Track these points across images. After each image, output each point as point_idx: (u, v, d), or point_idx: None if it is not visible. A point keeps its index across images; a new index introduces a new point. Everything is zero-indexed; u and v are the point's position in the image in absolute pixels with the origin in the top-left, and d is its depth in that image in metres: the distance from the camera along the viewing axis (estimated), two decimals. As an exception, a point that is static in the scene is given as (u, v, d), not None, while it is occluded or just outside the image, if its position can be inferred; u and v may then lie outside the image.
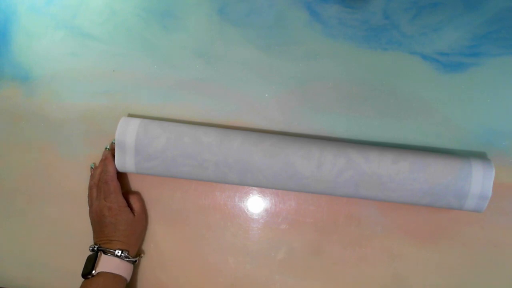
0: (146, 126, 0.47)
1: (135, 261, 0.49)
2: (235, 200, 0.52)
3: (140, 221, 0.50)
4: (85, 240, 0.49)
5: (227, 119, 0.52)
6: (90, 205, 0.50)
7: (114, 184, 0.48)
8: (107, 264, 0.45)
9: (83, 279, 0.45)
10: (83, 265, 0.46)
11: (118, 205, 0.48)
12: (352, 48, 0.50)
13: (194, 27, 0.52)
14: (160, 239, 0.52)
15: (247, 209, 0.52)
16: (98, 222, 0.48)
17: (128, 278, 0.47)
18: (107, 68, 0.53)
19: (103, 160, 0.50)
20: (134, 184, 0.53)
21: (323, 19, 0.50)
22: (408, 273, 0.49)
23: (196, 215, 0.51)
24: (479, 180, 0.43)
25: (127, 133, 0.47)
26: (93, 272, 0.44)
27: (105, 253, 0.46)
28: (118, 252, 0.46)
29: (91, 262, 0.45)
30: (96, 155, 0.53)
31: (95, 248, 0.46)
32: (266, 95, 0.51)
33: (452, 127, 0.49)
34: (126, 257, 0.47)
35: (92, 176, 0.51)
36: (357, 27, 0.50)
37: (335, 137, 0.50)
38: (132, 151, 0.47)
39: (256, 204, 0.51)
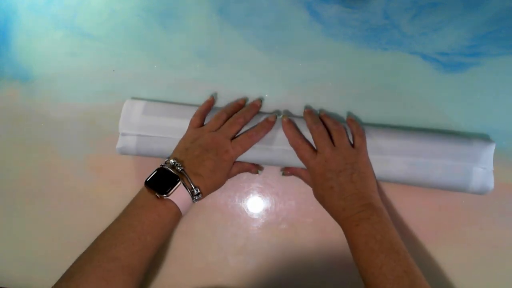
0: (150, 107, 0.48)
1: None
2: (235, 200, 0.52)
3: (225, 180, 0.46)
4: (85, 240, 0.49)
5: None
6: (208, 128, 0.45)
7: (250, 144, 0.45)
8: (180, 196, 0.41)
9: (145, 189, 0.41)
10: (153, 173, 0.42)
11: (235, 154, 0.44)
12: (352, 48, 0.50)
13: (194, 27, 0.52)
14: (160, 239, 0.52)
15: (247, 209, 0.52)
16: (205, 148, 0.43)
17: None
18: (107, 68, 0.53)
19: (265, 124, 0.46)
20: (135, 183, 0.53)
21: (323, 19, 0.50)
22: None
23: (196, 215, 0.51)
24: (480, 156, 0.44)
25: (132, 114, 0.47)
26: (164, 195, 0.40)
27: (184, 185, 0.41)
28: (196, 190, 0.42)
29: (171, 183, 0.41)
30: (96, 155, 0.53)
31: (181, 170, 0.42)
32: (266, 95, 0.51)
33: (452, 126, 0.49)
34: (196, 199, 0.43)
35: (240, 113, 0.46)
36: (357, 27, 0.50)
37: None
38: (135, 132, 0.47)
39: (256, 204, 0.51)
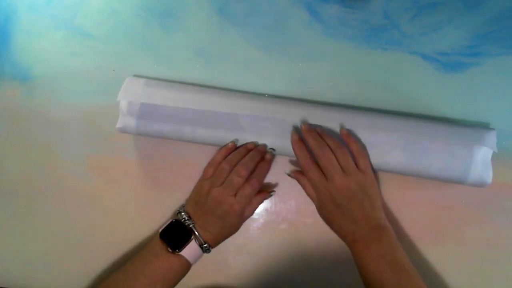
0: (152, 81, 0.49)
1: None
2: (235, 200, 0.52)
3: (237, 229, 0.48)
4: (86, 240, 0.49)
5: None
6: (213, 182, 0.46)
7: (254, 193, 0.46)
8: (191, 250, 0.44)
9: (159, 239, 0.44)
10: (167, 224, 0.45)
11: (241, 208, 0.45)
12: (352, 48, 0.50)
13: (194, 27, 0.52)
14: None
15: (247, 209, 0.51)
16: (212, 208, 0.45)
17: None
18: (107, 68, 0.53)
19: (264, 167, 0.47)
20: (135, 183, 0.52)
21: (323, 19, 0.50)
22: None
23: (196, 215, 0.51)
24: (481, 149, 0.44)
25: (133, 85, 0.48)
26: (176, 250, 0.44)
27: (196, 239, 0.44)
28: (206, 246, 0.45)
29: (184, 239, 0.44)
30: (96, 155, 0.52)
31: (191, 226, 0.45)
32: (266, 95, 0.51)
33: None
34: (207, 252, 0.46)
35: (242, 165, 0.46)
36: (357, 27, 0.50)
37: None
38: (135, 111, 0.47)
39: (256, 204, 0.51)
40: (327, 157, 0.44)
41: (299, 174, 0.48)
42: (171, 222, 0.45)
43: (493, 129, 0.45)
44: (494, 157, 0.44)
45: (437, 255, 0.49)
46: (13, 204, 0.54)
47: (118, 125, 0.48)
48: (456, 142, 0.44)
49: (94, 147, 0.53)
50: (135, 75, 0.52)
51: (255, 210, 0.48)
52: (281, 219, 0.51)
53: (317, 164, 0.45)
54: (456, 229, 0.49)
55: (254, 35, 0.52)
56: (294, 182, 0.50)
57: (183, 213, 0.46)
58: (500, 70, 0.48)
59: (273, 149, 0.48)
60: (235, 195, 0.45)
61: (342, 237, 0.45)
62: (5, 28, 0.54)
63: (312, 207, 0.50)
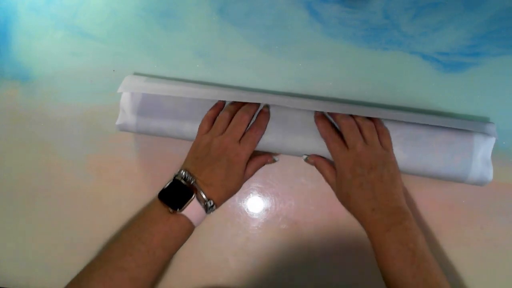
0: (151, 81, 0.48)
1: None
2: (235, 200, 0.52)
3: (240, 184, 0.44)
4: (86, 239, 0.49)
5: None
6: (213, 133, 0.44)
7: (258, 139, 0.44)
8: (193, 209, 0.40)
9: (158, 201, 0.40)
10: (167, 185, 0.41)
11: (246, 154, 0.43)
12: (352, 48, 0.50)
13: (194, 27, 0.52)
14: (160, 239, 0.52)
15: (247, 209, 0.52)
16: (214, 156, 0.42)
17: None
18: (107, 68, 0.53)
19: (264, 116, 0.45)
20: (135, 183, 0.53)
21: (323, 18, 0.50)
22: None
23: (196, 215, 0.51)
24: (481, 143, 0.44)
25: (131, 86, 0.48)
26: (177, 210, 0.39)
27: (198, 198, 0.40)
28: (210, 203, 0.41)
29: (184, 197, 0.40)
30: (96, 155, 0.52)
31: (193, 182, 0.41)
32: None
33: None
34: (211, 211, 0.42)
35: (243, 110, 0.45)
36: (357, 27, 0.50)
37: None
38: (135, 109, 0.47)
39: (256, 204, 0.51)
40: (351, 126, 0.43)
41: (317, 157, 0.45)
42: (170, 183, 0.41)
43: (491, 122, 0.45)
44: (494, 157, 0.44)
45: (437, 255, 0.49)
46: (13, 204, 0.54)
47: (118, 122, 0.48)
48: (456, 139, 0.44)
49: (94, 147, 0.53)
50: (135, 73, 0.52)
51: (257, 169, 0.46)
52: (281, 219, 0.51)
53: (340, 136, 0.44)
54: (456, 229, 0.49)
55: (254, 35, 0.52)
56: (294, 182, 0.51)
57: (182, 172, 0.42)
58: (500, 70, 0.48)
59: (267, 106, 0.47)
60: (239, 141, 0.43)
61: (361, 218, 0.41)
62: (5, 28, 0.54)
63: (313, 207, 0.50)
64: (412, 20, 0.49)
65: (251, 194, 0.52)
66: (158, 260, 0.39)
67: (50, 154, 0.54)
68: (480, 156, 0.44)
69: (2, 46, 0.55)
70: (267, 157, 0.47)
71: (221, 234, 0.51)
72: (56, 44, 0.54)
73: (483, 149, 0.44)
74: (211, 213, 0.42)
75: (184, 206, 0.40)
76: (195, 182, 0.41)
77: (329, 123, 0.45)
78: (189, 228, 0.41)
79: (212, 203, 0.41)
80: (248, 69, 0.52)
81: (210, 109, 0.47)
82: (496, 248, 0.48)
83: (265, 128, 0.45)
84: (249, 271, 0.51)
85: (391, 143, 0.44)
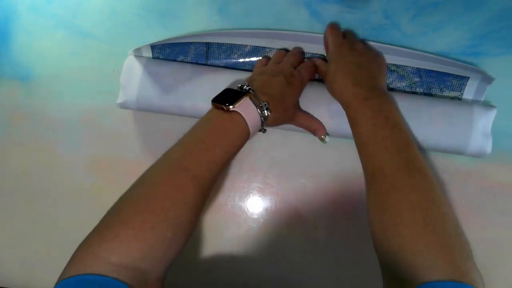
0: (152, 63, 0.49)
1: (263, 130, 0.43)
2: (235, 200, 0.52)
3: (292, 112, 0.45)
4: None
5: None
6: (274, 59, 0.46)
7: (313, 69, 0.47)
8: (248, 109, 0.39)
9: (212, 105, 0.40)
10: (220, 92, 0.41)
11: (301, 79, 0.44)
12: (352, 48, 0.50)
13: (194, 27, 0.52)
14: (160, 239, 0.52)
15: (247, 209, 0.52)
16: (271, 74, 0.43)
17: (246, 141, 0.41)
18: (107, 68, 0.53)
19: (311, 64, 0.48)
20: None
21: (323, 18, 0.50)
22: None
23: (196, 215, 0.51)
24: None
25: (133, 70, 0.48)
26: (230, 106, 0.38)
27: (252, 101, 0.40)
28: (265, 105, 0.40)
29: (239, 95, 0.39)
30: (96, 155, 0.52)
31: (245, 87, 0.41)
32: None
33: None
34: (265, 118, 0.41)
35: (298, 49, 0.49)
36: (357, 27, 0.50)
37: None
38: (136, 86, 0.47)
39: (256, 204, 0.51)
40: (350, 31, 0.49)
41: (318, 59, 0.49)
42: (225, 89, 0.41)
43: (493, 107, 0.46)
44: (494, 157, 0.44)
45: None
46: (13, 204, 0.54)
47: (119, 100, 0.48)
48: (456, 111, 0.45)
49: (94, 147, 0.53)
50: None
51: (307, 126, 0.46)
52: (281, 219, 0.51)
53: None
54: (456, 229, 0.49)
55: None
56: (294, 182, 0.51)
57: (238, 84, 0.42)
58: (500, 70, 0.48)
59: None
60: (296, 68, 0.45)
61: (343, 96, 0.42)
62: (5, 28, 0.54)
63: (313, 207, 0.50)
64: (412, 20, 0.49)
65: (251, 194, 0.52)
66: (217, 160, 0.39)
67: (50, 154, 0.54)
68: (480, 128, 0.44)
69: (2, 46, 0.55)
70: (321, 127, 0.46)
71: (221, 234, 0.51)
72: (56, 44, 0.54)
73: (483, 120, 0.44)
74: (264, 130, 0.43)
75: (238, 102, 0.39)
76: (251, 89, 0.41)
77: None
78: (244, 129, 0.40)
79: (267, 106, 0.40)
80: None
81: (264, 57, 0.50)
82: (496, 248, 0.48)
83: (314, 71, 0.48)
84: (249, 271, 0.51)
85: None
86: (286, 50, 0.49)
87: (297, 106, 0.46)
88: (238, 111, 0.39)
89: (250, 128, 0.40)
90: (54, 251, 0.53)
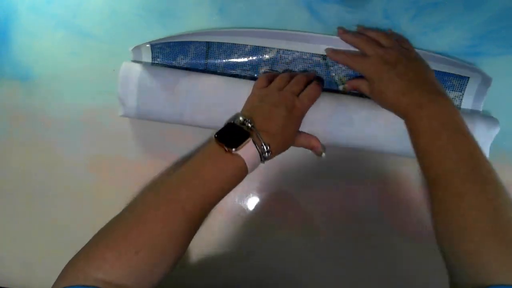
0: (150, 69, 0.48)
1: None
2: (235, 200, 0.52)
3: (292, 141, 0.44)
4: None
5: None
6: (272, 88, 0.44)
7: (316, 95, 0.45)
8: (249, 152, 0.39)
9: (213, 140, 0.40)
10: (221, 128, 0.41)
11: (304, 108, 0.43)
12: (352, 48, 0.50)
13: (194, 27, 0.52)
14: (160, 239, 0.52)
15: (247, 209, 0.52)
16: (274, 104, 0.42)
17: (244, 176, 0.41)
18: (107, 68, 0.53)
19: (319, 82, 0.46)
20: (135, 183, 0.53)
21: (323, 18, 0.50)
22: (408, 273, 0.49)
23: (196, 215, 0.51)
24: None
25: (130, 76, 0.47)
26: (232, 149, 0.38)
27: (254, 142, 0.39)
28: (266, 148, 0.40)
29: (241, 138, 0.39)
30: (96, 155, 0.52)
31: (249, 125, 0.40)
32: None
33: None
34: (265, 158, 0.41)
35: (302, 74, 0.46)
36: (357, 27, 0.50)
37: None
38: (134, 93, 0.47)
39: (256, 204, 0.51)
40: (366, 40, 0.46)
41: (351, 80, 0.47)
42: (226, 125, 0.41)
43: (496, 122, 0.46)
44: (495, 157, 0.44)
45: (437, 255, 0.49)
46: (13, 204, 0.54)
47: (119, 113, 0.48)
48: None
49: (94, 147, 0.53)
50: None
51: (305, 145, 0.46)
52: (281, 219, 0.51)
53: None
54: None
55: (254, 35, 0.52)
56: (294, 182, 0.50)
57: (240, 117, 0.41)
58: (500, 70, 0.48)
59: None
60: (298, 96, 0.43)
61: (396, 107, 0.41)
62: (5, 28, 0.54)
63: (313, 208, 0.50)
64: (412, 20, 0.49)
65: (251, 194, 0.52)
66: (212, 195, 0.39)
67: (50, 154, 0.54)
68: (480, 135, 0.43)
69: (2, 46, 0.55)
70: (318, 144, 0.46)
71: (221, 234, 0.51)
72: (56, 44, 0.54)
73: (482, 139, 0.44)
74: (264, 161, 0.42)
75: (240, 146, 0.39)
76: (253, 126, 0.40)
77: (342, 51, 0.47)
78: (243, 170, 0.40)
79: (268, 148, 0.40)
80: (248, 69, 0.52)
81: (265, 73, 0.48)
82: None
83: (323, 87, 0.46)
84: (249, 271, 0.51)
85: (412, 46, 0.46)
86: (290, 71, 0.49)
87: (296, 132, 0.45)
88: (240, 155, 0.39)
89: (249, 170, 0.40)
90: (54, 251, 0.53)
